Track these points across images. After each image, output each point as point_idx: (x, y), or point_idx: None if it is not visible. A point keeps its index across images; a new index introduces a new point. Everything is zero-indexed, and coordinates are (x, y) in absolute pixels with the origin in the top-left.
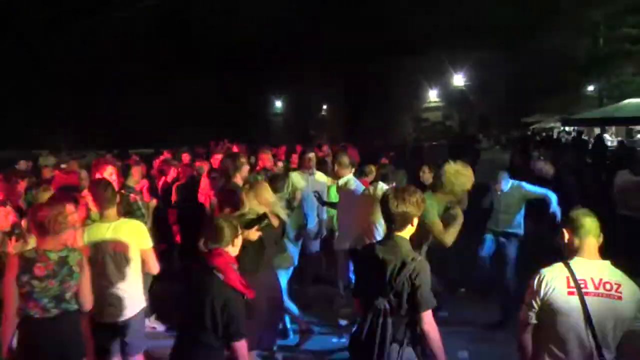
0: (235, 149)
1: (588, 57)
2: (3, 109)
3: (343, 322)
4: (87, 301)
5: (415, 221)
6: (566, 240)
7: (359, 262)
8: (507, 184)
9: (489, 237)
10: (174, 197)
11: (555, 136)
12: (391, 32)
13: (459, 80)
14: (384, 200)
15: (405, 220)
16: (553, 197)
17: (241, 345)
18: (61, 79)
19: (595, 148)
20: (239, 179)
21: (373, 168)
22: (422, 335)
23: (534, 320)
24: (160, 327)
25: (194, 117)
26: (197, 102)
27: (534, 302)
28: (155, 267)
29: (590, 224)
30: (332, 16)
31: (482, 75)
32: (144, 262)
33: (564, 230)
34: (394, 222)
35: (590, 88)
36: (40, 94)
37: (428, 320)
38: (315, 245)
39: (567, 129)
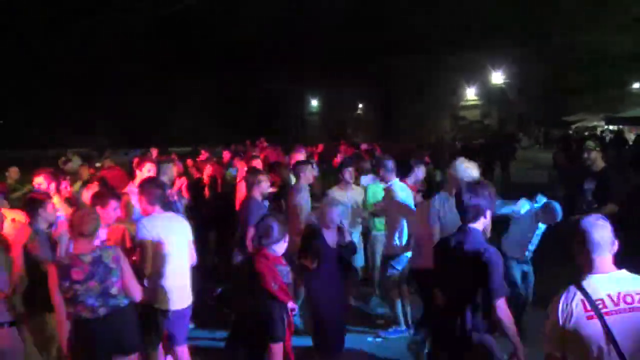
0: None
1: (632, 54)
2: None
3: (379, 322)
4: (135, 292)
5: (489, 214)
6: (576, 254)
7: (436, 255)
8: (523, 207)
9: (515, 266)
10: (206, 195)
11: (599, 135)
12: (429, 30)
13: (497, 78)
14: (459, 192)
15: (478, 212)
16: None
17: (277, 348)
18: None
19: (636, 147)
20: (257, 194)
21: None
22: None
23: (558, 354)
24: (191, 325)
25: (208, 117)
26: (228, 100)
27: (554, 334)
28: (194, 259)
29: (599, 235)
30: (365, 12)
31: (521, 73)
32: None
33: (574, 244)
34: (468, 213)
35: (636, 85)
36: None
37: (501, 307)
38: (360, 260)
39: (611, 127)
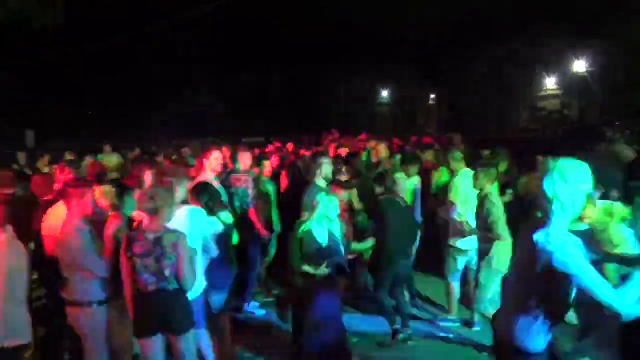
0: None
1: None
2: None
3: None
4: (186, 281)
5: None
6: None
7: None
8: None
9: None
10: (282, 182)
11: None
12: (504, 16)
13: (580, 66)
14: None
15: None
16: None
17: None
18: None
19: None
20: (318, 177)
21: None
22: None
23: None
24: (259, 313)
25: (290, 108)
26: (295, 92)
27: None
28: (214, 251)
29: None
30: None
31: (607, 61)
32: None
33: None
34: None
35: None
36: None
37: None
38: None
39: None
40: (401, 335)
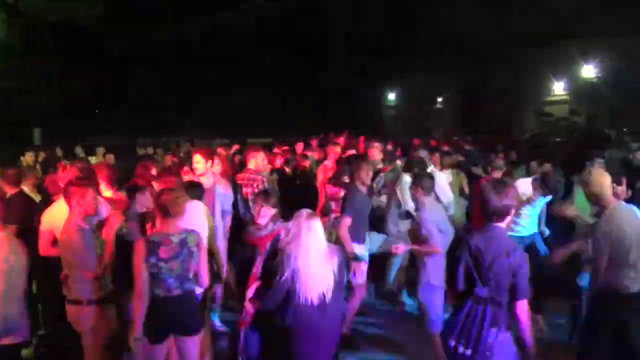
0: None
1: None
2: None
3: None
4: (204, 279)
5: (513, 212)
6: None
7: (459, 252)
8: None
9: None
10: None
11: None
12: (515, 20)
13: (588, 71)
14: (483, 193)
15: (505, 212)
16: None
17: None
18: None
19: None
20: (360, 182)
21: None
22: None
23: None
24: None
25: (303, 109)
26: (306, 93)
27: None
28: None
29: None
30: (450, 3)
31: (617, 66)
32: None
33: None
34: (495, 214)
35: None
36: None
37: (523, 308)
38: None
39: None
40: None
